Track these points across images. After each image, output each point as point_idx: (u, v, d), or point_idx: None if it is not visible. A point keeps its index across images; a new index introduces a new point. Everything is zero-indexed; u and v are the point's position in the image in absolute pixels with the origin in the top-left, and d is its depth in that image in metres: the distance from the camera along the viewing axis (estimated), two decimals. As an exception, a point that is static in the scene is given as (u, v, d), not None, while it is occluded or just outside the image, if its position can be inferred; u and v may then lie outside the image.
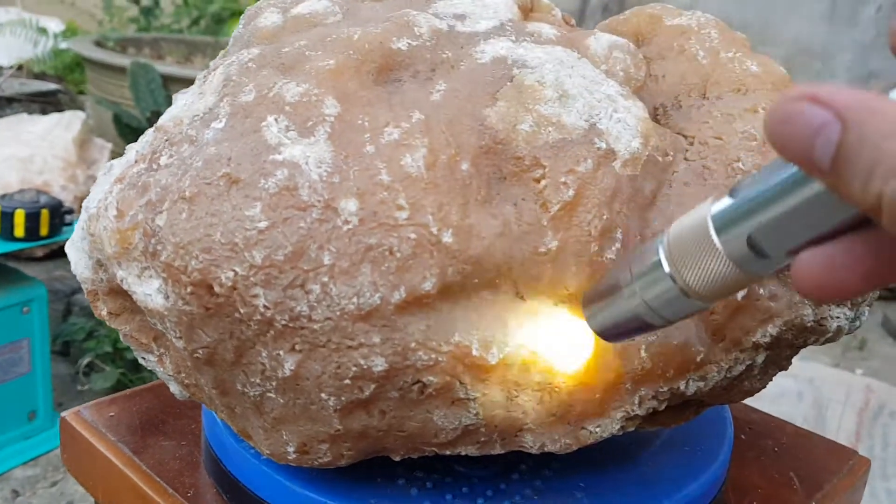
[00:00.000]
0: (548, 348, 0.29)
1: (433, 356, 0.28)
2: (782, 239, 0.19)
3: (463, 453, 0.31)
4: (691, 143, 0.32)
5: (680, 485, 0.37)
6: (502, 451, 0.31)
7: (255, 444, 0.32)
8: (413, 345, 0.27)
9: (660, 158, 0.31)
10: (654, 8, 0.39)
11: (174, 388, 0.35)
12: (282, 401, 0.29)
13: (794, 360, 1.23)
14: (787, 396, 1.36)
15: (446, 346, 0.28)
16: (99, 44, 2.42)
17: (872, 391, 1.39)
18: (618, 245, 0.30)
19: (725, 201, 0.20)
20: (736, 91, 0.34)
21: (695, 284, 0.21)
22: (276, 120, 0.28)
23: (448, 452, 0.31)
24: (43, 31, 3.17)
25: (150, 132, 0.32)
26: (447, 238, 0.27)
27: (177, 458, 0.41)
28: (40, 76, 2.95)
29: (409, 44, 0.31)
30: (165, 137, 0.30)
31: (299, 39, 0.32)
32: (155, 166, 0.29)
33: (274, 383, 0.28)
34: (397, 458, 0.32)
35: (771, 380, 0.35)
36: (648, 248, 0.23)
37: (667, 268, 0.22)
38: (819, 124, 0.17)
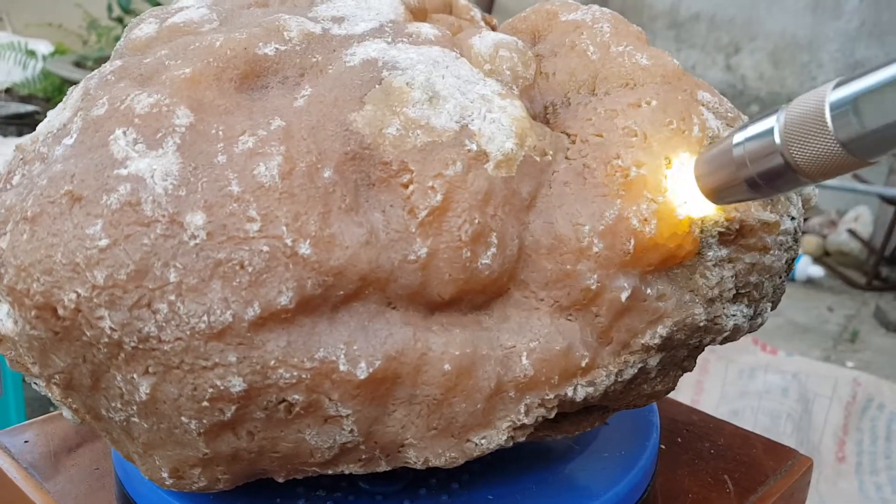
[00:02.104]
0: (422, 358, 0.28)
1: (296, 374, 0.27)
2: (879, 115, 0.22)
3: (346, 472, 0.30)
4: (573, 142, 0.31)
5: (594, 494, 0.35)
6: (388, 468, 0.30)
7: (139, 468, 0.31)
8: (273, 363, 0.26)
9: (538, 159, 0.30)
10: (553, 4, 0.38)
11: (66, 413, 0.34)
12: (146, 425, 0.28)
13: (779, 353, 1.21)
14: (771, 392, 1.35)
15: (310, 363, 0.27)
16: (79, 64, 2.42)
17: (860, 384, 1.37)
18: (493, 250, 0.29)
19: (845, 88, 0.23)
20: (624, 85, 0.33)
21: (801, 161, 0.24)
22: (124, 133, 0.27)
23: (331, 472, 0.30)
24: (31, 53, 3.18)
25: (13, 151, 0.31)
26: (304, 249, 0.26)
27: (87, 484, 0.40)
28: (26, 99, 2.95)
29: (276, 49, 0.30)
30: (21, 156, 0.29)
31: (164, 49, 0.31)
32: (8, 186, 0.28)
33: (134, 408, 0.27)
34: (281, 480, 0.31)
35: (676, 381, 0.34)
36: (765, 118, 0.25)
37: (778, 140, 0.24)
38: None
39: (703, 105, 0.32)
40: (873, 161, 0.23)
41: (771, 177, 0.25)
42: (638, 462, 0.38)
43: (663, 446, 0.46)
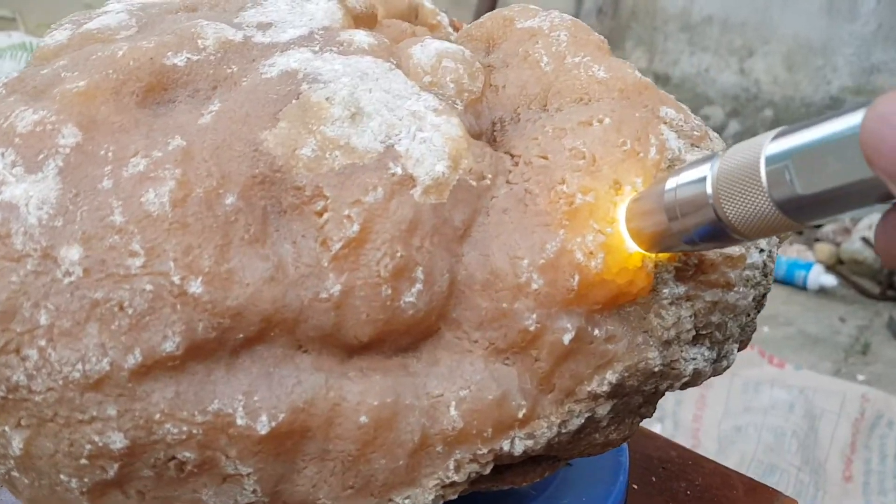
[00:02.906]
0: (335, 409, 0.25)
1: (186, 429, 0.24)
2: (818, 179, 0.19)
3: (255, 531, 0.27)
4: (516, 164, 0.28)
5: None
6: (304, 526, 0.27)
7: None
8: (158, 416, 0.23)
9: (474, 183, 0.27)
10: (511, 9, 0.35)
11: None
12: (27, 481, 0.25)
13: (786, 366, 1.17)
14: (777, 408, 1.31)
15: (202, 417, 0.24)
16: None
17: (868, 400, 1.33)
18: (419, 287, 0.25)
19: (785, 141, 0.20)
20: (578, 101, 0.30)
21: (733, 217, 0.21)
22: (2, 155, 0.24)
23: (238, 530, 0.27)
24: (43, 52, 3.18)
25: None
26: (195, 288, 0.23)
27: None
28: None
29: (188, 59, 0.27)
30: None
31: (65, 59, 0.28)
32: None
33: (12, 462, 0.24)
34: (185, 537, 0.28)
35: (634, 428, 0.31)
36: (700, 164, 0.23)
37: (709, 191, 0.22)
38: None
39: (664, 123, 0.29)
40: (813, 225, 0.20)
41: (703, 230, 0.23)
42: (600, 508, 0.35)
43: (635, 486, 0.43)
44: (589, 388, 0.27)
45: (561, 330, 0.26)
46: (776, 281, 2.20)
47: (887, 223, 0.19)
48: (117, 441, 0.23)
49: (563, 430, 0.27)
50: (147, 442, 0.23)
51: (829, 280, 2.15)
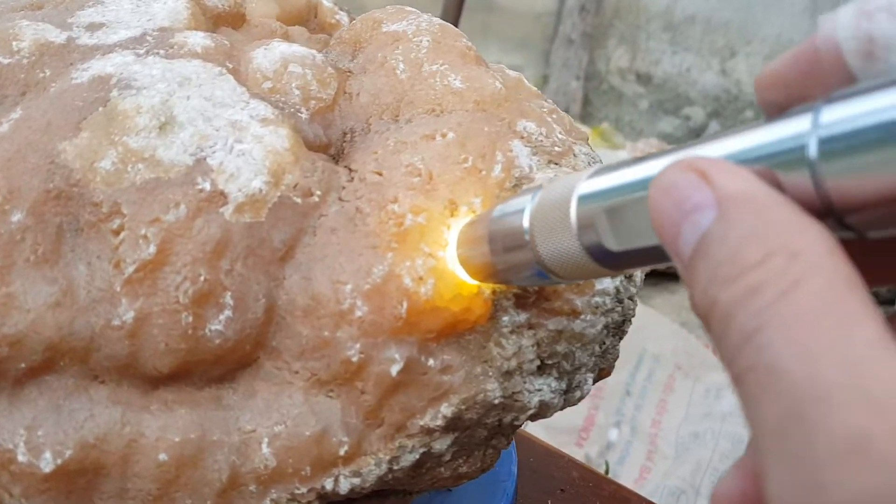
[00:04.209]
0: (131, 446, 0.23)
1: (-44, 464, 0.22)
2: (625, 236, 0.17)
3: (60, 570, 0.25)
4: (351, 180, 0.26)
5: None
6: (114, 566, 0.25)
7: None
8: (-76, 451, 0.21)
9: (298, 200, 0.25)
10: (385, 10, 0.33)
11: None
12: None
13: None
14: (736, 414, 1.29)
15: (-25, 451, 0.22)
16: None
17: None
18: (228, 314, 0.24)
19: (598, 182, 0.18)
20: (430, 112, 0.28)
21: (546, 256, 0.20)
22: None
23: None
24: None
25: None
26: (-37, 314, 0.21)
27: None
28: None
29: (-2, 62, 0.25)
30: None
31: None
32: None
33: None
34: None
35: (490, 459, 0.29)
36: (525, 194, 0.21)
37: (525, 224, 0.20)
38: (694, 205, 0.15)
39: (520, 138, 0.27)
40: (626, 273, 0.19)
41: (521, 267, 0.21)
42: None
43: (529, 510, 0.41)
44: (422, 423, 0.25)
45: (388, 360, 0.24)
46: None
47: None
48: None
49: (396, 467, 0.26)
50: (-90, 481, 0.22)
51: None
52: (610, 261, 0.18)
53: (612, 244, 0.18)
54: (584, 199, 0.18)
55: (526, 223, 0.20)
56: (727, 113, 2.65)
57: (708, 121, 2.67)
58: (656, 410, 1.32)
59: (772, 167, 0.15)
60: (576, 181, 0.19)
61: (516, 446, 0.42)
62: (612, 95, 2.68)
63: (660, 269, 2.18)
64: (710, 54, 2.74)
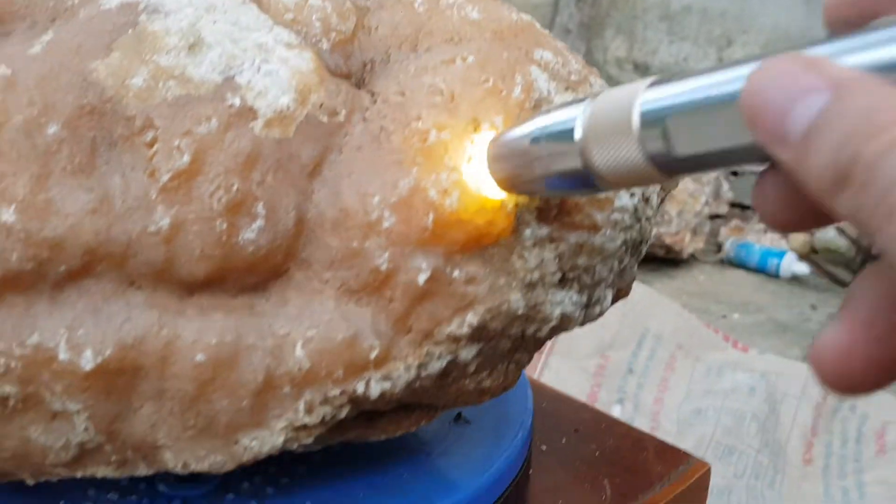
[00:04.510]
0: (169, 347, 0.24)
1: (3, 361, 0.22)
2: (696, 140, 0.18)
3: (99, 475, 0.26)
4: (374, 101, 0.27)
5: (431, 499, 0.31)
6: (151, 472, 0.26)
7: None
8: (-27, 349, 0.22)
9: (324, 119, 0.26)
10: (398, -48, 0.34)
11: None
12: None
13: (750, 350, 1.16)
14: (738, 391, 1.30)
15: (20, 350, 0.23)
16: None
17: (831, 383, 1.33)
18: (260, 223, 0.24)
19: (659, 91, 0.18)
20: (448, 41, 0.29)
21: (601, 165, 0.20)
22: None
23: (80, 475, 0.26)
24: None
25: None
26: (7, 216, 0.22)
27: None
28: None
29: (29, -10, 0.26)
30: None
31: None
32: None
33: None
34: (31, 482, 0.27)
35: (513, 376, 0.30)
36: (570, 106, 0.21)
37: (579, 135, 0.20)
38: (805, 88, 0.15)
39: (537, 64, 0.28)
40: (680, 179, 0.19)
41: (566, 176, 0.21)
42: (494, 463, 0.34)
43: (544, 447, 0.42)
44: (448, 330, 0.26)
45: (415, 270, 0.25)
46: (748, 269, 2.21)
47: (764, 183, 0.18)
48: (-73, 376, 0.22)
49: (424, 374, 0.26)
50: (-39, 378, 0.22)
51: (802, 268, 2.16)
52: (670, 166, 0.18)
53: (680, 149, 0.18)
54: (648, 105, 0.18)
55: (578, 132, 0.20)
56: (724, 101, 2.66)
57: (705, 109, 2.68)
58: (658, 388, 1.33)
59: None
60: (636, 90, 0.19)
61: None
62: (610, 85, 2.70)
63: (659, 255, 2.19)
64: (706, 44, 2.74)
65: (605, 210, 0.27)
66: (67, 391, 0.23)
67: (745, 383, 1.30)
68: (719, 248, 2.38)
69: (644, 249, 0.30)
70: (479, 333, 0.27)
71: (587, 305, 0.28)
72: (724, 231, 2.35)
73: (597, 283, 0.28)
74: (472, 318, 0.26)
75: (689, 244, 2.15)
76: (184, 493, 0.31)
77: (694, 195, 2.10)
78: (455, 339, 0.26)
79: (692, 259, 2.26)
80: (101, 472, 0.26)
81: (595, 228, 0.27)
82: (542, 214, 0.26)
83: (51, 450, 0.24)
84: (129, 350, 0.24)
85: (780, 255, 2.17)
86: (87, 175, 0.23)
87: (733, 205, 2.68)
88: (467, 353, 0.27)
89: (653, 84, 0.19)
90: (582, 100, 0.21)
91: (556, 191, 0.23)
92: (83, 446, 0.25)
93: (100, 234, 0.23)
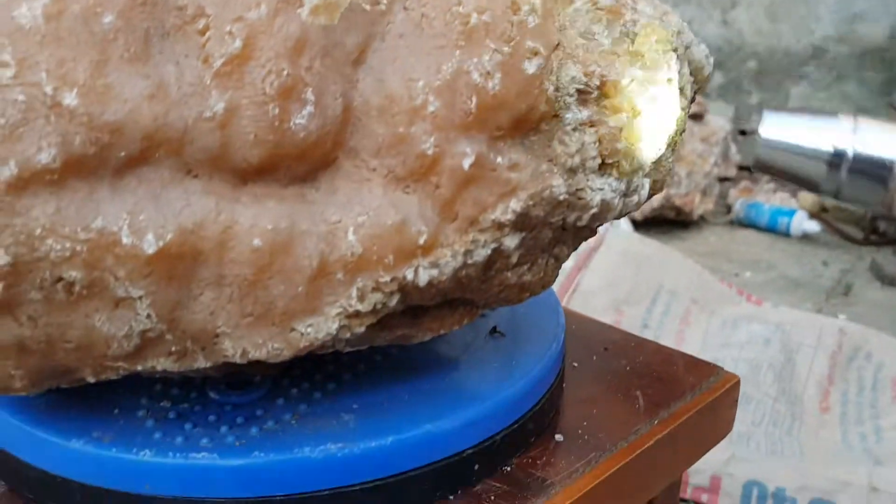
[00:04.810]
0: (227, 232, 0.25)
1: (69, 245, 0.23)
2: None
3: (159, 367, 0.27)
4: (414, -8, 0.27)
5: (473, 401, 0.32)
6: (209, 364, 0.27)
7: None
8: (40, 232, 0.23)
9: (367, 7, 0.26)
10: None
11: None
12: (-85, 311, 0.24)
13: (764, 304, 1.17)
14: (753, 342, 1.31)
15: (85, 234, 0.23)
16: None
17: (846, 334, 1.34)
18: (310, 109, 0.25)
19: None
20: (482, -65, 0.29)
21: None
22: None
23: (141, 368, 0.27)
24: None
25: None
26: (69, 100, 0.23)
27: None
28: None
29: None
30: None
31: None
32: None
33: None
34: (91, 380, 0.27)
35: (552, 272, 0.31)
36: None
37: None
38: None
39: (571, -45, 0.28)
40: None
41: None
42: (530, 371, 0.35)
43: (576, 364, 0.43)
44: (493, 217, 0.27)
45: (460, 154, 0.26)
46: (759, 229, 2.21)
47: None
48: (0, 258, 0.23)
49: (469, 261, 0.27)
50: (31, 259, 0.23)
51: (813, 226, 2.16)
52: None
53: None
54: None
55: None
56: (730, 64, 2.64)
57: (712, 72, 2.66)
58: (674, 342, 1.34)
59: None
60: None
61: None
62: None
63: (669, 217, 2.19)
64: (710, 6, 2.72)
65: (645, 94, 0.27)
66: (130, 276, 0.24)
67: (761, 335, 1.31)
68: (729, 210, 2.38)
69: (679, 142, 0.30)
70: (522, 221, 0.27)
71: (626, 194, 0.29)
72: (733, 192, 2.35)
73: (633, 168, 0.28)
74: (515, 204, 0.27)
75: (699, 205, 2.15)
76: (235, 399, 0.32)
77: (703, 156, 2.09)
78: (499, 226, 0.27)
79: (702, 221, 2.26)
80: (161, 364, 0.27)
81: (635, 112, 0.27)
82: (582, 97, 0.27)
83: (114, 339, 0.25)
84: (188, 234, 0.24)
85: (791, 213, 2.17)
86: (142, 63, 0.24)
87: (741, 168, 2.67)
88: (511, 241, 0.28)
89: None
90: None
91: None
92: (145, 335, 0.25)
93: (157, 119, 0.24)
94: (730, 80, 2.74)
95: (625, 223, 2.00)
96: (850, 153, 0.23)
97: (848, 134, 0.24)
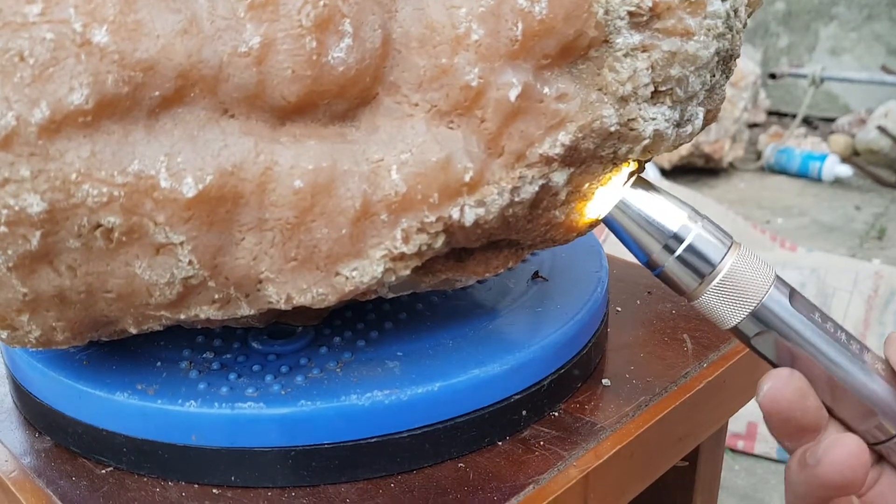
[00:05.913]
0: (267, 174, 0.24)
1: (106, 190, 0.22)
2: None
3: (203, 316, 0.26)
4: (452, -86, 0.26)
5: (518, 346, 0.31)
6: (252, 311, 0.26)
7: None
8: (75, 177, 0.22)
9: (404, -68, 0.25)
10: None
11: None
12: (-47, 264, 0.24)
13: (798, 249, 1.15)
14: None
15: (122, 178, 0.22)
16: None
17: (882, 277, 1.31)
18: (348, 41, 0.24)
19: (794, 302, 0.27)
20: None
21: (702, 300, 0.29)
22: None
23: (183, 316, 0.26)
24: None
25: None
26: (100, 37, 0.22)
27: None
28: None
29: None
30: None
31: None
32: None
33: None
34: (133, 331, 0.27)
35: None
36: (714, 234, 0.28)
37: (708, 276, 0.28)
38: None
39: None
40: None
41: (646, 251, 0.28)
42: (575, 315, 0.34)
43: (619, 308, 0.42)
44: (541, 151, 0.25)
45: (506, 85, 0.25)
46: (789, 174, 2.16)
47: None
48: (34, 204, 0.22)
49: (517, 199, 0.26)
50: (67, 206, 0.22)
51: (845, 170, 2.11)
52: (739, 334, 0.29)
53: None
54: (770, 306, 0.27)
55: (710, 278, 0.28)
56: (757, 5, 2.57)
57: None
58: (707, 291, 1.32)
59: None
60: (769, 290, 0.27)
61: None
62: None
63: (698, 165, 2.15)
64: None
65: (699, 14, 0.26)
66: (170, 221, 0.23)
67: (796, 280, 1.29)
68: (758, 156, 2.33)
69: (734, 67, 0.28)
70: (570, 154, 0.26)
71: (679, 124, 0.27)
72: (762, 139, 2.30)
73: (689, 97, 0.27)
74: (563, 136, 0.25)
75: (729, 152, 2.11)
76: (278, 348, 0.32)
77: (732, 100, 2.04)
78: (547, 161, 0.26)
79: (731, 168, 2.22)
80: (205, 312, 0.26)
81: (688, 34, 0.26)
82: (634, 19, 0.25)
83: (155, 287, 0.24)
84: (228, 176, 0.23)
85: (822, 158, 2.13)
86: (172, -2, 0.23)
87: (770, 113, 2.61)
88: (559, 176, 0.26)
89: (781, 288, 0.27)
90: (730, 241, 0.27)
91: (623, 235, 0.28)
92: (187, 282, 0.25)
93: (191, 55, 0.23)
94: (757, 22, 2.66)
95: (653, 171, 1.97)
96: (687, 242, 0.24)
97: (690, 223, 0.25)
